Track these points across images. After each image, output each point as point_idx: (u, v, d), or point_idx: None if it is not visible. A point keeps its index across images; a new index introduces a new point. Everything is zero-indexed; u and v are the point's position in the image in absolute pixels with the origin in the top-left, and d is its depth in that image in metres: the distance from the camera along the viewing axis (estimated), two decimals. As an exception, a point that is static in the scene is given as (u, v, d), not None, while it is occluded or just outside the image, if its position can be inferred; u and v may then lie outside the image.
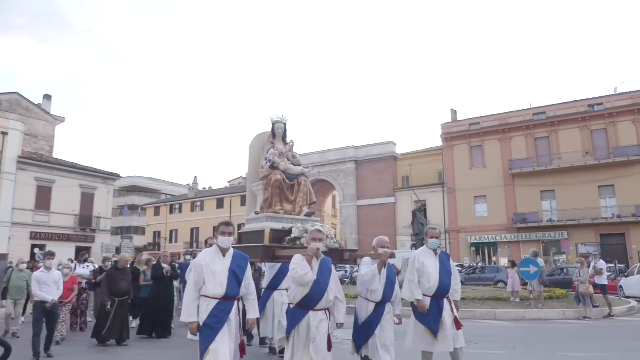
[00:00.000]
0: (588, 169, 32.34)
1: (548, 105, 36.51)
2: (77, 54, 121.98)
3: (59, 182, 31.11)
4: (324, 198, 48.23)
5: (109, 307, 8.27)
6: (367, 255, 5.36)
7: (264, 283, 7.47)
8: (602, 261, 14.58)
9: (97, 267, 11.28)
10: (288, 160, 7.62)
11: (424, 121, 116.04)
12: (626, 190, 31.20)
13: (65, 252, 25.29)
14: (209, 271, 4.19)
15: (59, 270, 8.60)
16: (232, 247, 4.50)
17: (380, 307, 5.02)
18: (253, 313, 4.46)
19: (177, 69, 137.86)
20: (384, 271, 5.06)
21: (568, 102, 35.79)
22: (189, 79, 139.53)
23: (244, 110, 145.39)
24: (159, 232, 55.14)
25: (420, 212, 23.29)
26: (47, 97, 36.75)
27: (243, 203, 48.14)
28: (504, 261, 30.67)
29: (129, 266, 9.50)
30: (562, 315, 12.29)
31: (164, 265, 9.77)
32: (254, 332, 7.52)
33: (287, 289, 6.64)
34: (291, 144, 7.79)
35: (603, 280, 13.54)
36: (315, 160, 43.28)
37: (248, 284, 4.41)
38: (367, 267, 5.06)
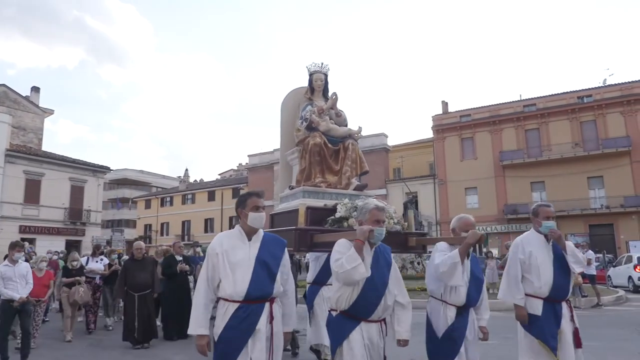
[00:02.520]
0: (577, 160, 32.61)
1: (538, 97, 36.66)
2: (65, 45, 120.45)
3: (48, 175, 30.86)
4: (316, 190, 48.16)
5: (121, 304, 7.45)
6: (442, 240, 3.94)
7: (308, 277, 5.90)
8: (590, 251, 14.76)
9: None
10: (330, 119, 6.03)
11: (415, 113, 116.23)
12: (615, 181, 31.52)
13: (55, 245, 25.13)
14: (227, 262, 2.96)
15: (32, 265, 7.39)
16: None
17: (464, 312, 3.61)
18: (288, 322, 3.19)
19: (168, 60, 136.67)
20: (467, 262, 3.66)
21: (558, 94, 35.97)
22: (179, 70, 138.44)
23: (233, 104, 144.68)
24: (150, 225, 54.90)
25: (411, 203, 23.50)
26: (36, 89, 36.28)
27: (234, 195, 48.07)
28: (494, 252, 30.99)
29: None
30: (552, 304, 12.42)
31: (178, 258, 8.66)
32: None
33: None
34: (334, 97, 6.04)
35: (591, 270, 13.73)
36: (306, 152, 43.15)
37: (285, 279, 3.17)
38: (444, 254, 3.63)
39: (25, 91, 35.87)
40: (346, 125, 6.12)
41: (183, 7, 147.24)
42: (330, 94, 6.21)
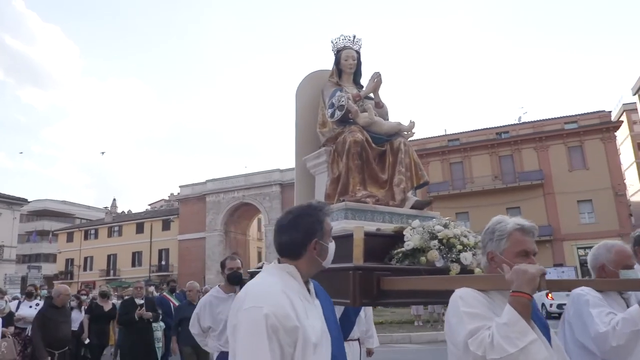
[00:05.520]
0: (497, 192, 34.80)
1: (461, 132, 39.01)
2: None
3: (-45, 209, 28.51)
4: (249, 222, 47.85)
5: None
6: (581, 284, 2.52)
7: None
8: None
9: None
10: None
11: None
12: (530, 212, 33.76)
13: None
14: (304, 337, 1.63)
15: None
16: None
17: None
18: None
19: (95, 84, 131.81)
20: None
21: (479, 130, 38.45)
22: (107, 95, 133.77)
23: (164, 131, 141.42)
24: (72, 260, 51.72)
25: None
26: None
27: (165, 227, 46.58)
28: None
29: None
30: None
31: (138, 301, 7.05)
32: None
33: (358, 339, 4.17)
34: (377, 78, 4.20)
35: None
36: (240, 183, 43.07)
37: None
38: (605, 312, 2.25)
39: None
40: (388, 120, 4.24)
41: (111, 30, 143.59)
42: (366, 77, 4.38)
